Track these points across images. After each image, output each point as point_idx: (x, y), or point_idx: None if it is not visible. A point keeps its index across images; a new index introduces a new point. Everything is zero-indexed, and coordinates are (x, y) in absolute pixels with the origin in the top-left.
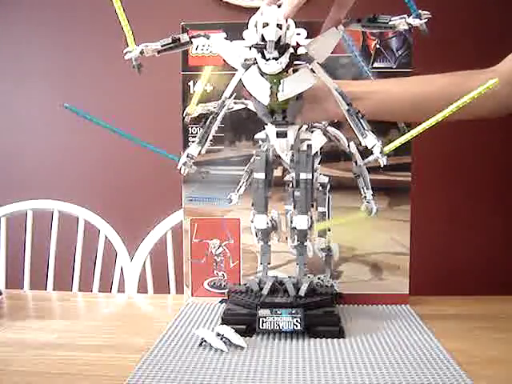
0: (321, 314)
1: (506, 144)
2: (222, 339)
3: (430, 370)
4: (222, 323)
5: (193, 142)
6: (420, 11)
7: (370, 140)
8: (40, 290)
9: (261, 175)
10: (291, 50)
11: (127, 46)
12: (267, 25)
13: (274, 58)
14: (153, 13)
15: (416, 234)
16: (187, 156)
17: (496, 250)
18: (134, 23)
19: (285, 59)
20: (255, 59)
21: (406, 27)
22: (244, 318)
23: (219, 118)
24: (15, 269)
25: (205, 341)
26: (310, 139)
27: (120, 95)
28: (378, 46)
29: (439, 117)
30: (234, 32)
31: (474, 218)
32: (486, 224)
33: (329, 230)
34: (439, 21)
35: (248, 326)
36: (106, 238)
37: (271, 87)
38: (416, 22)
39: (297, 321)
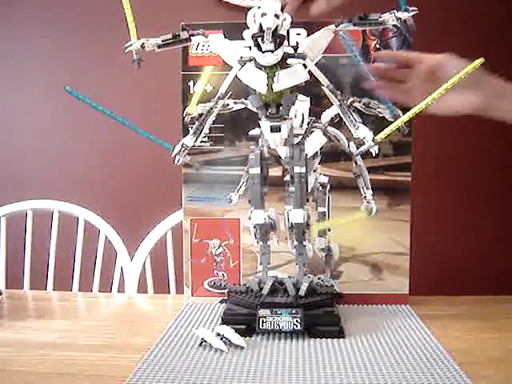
0: (321, 313)
1: (506, 144)
2: (222, 339)
3: (429, 370)
4: (222, 323)
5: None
6: (408, 7)
7: (363, 130)
8: (40, 289)
9: (256, 170)
10: (290, 48)
11: (129, 40)
12: (265, 14)
13: (269, 51)
14: (152, 13)
15: (416, 234)
16: (182, 146)
17: (496, 250)
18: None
19: (280, 51)
20: (251, 57)
21: (396, 22)
22: (244, 318)
23: (215, 112)
24: (15, 269)
25: (205, 341)
26: (303, 134)
27: (120, 95)
28: (378, 45)
29: (428, 100)
30: (234, 32)
31: (473, 218)
32: (486, 224)
33: (329, 230)
34: (439, 20)
35: (248, 326)
36: (106, 237)
37: (267, 77)
38: (404, 16)
39: (297, 321)
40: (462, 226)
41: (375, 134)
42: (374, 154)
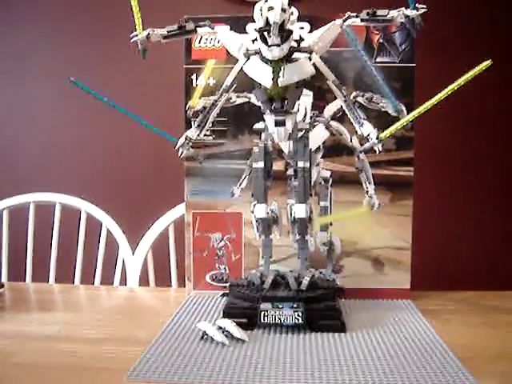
0: (322, 308)
1: (508, 138)
2: (223, 332)
3: (430, 365)
4: (224, 316)
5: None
6: (417, 5)
7: (367, 128)
8: (42, 282)
9: (260, 164)
10: (293, 42)
11: (134, 32)
12: (272, 8)
13: (276, 45)
14: (156, 6)
15: (418, 229)
16: (185, 138)
17: (497, 245)
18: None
19: (287, 46)
20: (257, 50)
21: (404, 20)
22: (245, 312)
23: (219, 105)
24: (17, 262)
25: (206, 334)
26: (307, 128)
27: (123, 89)
28: (381, 40)
29: (433, 101)
30: (238, 25)
31: (475, 212)
32: (488, 218)
33: (330, 225)
34: (442, 15)
35: (249, 320)
36: (108, 230)
37: (273, 72)
38: (413, 13)
39: (298, 315)
40: (464, 221)
41: (378, 129)
42: (377, 152)
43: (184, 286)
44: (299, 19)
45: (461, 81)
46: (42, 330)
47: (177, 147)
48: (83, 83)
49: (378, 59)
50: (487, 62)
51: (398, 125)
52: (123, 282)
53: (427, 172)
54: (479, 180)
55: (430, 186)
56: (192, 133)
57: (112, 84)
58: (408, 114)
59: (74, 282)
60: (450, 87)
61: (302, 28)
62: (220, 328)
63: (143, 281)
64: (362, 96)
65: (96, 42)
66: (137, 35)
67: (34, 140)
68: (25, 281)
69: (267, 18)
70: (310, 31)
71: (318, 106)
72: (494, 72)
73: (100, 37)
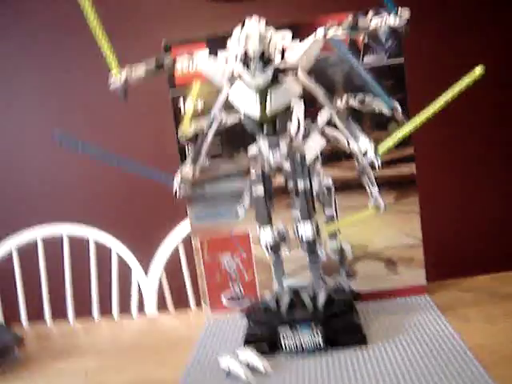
0: (341, 323)
1: (509, 128)
2: (246, 365)
3: (452, 373)
4: (245, 345)
5: None
6: (399, 8)
7: (363, 143)
8: (60, 317)
9: (260, 191)
10: (276, 64)
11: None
12: (250, 38)
13: (259, 71)
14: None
15: (426, 223)
16: (181, 181)
17: (502, 226)
18: (124, 20)
19: (270, 71)
20: (240, 73)
21: (387, 29)
22: (266, 338)
23: (210, 137)
24: (33, 299)
25: (230, 371)
26: (302, 147)
27: (114, 121)
28: (365, 40)
29: (429, 114)
30: (218, 44)
31: (480, 198)
32: (491, 200)
33: (339, 232)
34: (429, 8)
35: (271, 346)
36: (119, 255)
37: (260, 102)
38: (396, 24)
39: (318, 335)
40: (474, 209)
41: (375, 127)
42: (377, 168)
43: (201, 304)
44: (280, 28)
45: (456, 90)
46: (71, 381)
47: (174, 190)
48: (70, 138)
49: (366, 60)
50: (479, 69)
51: (395, 140)
52: (141, 305)
53: (429, 166)
54: (480, 165)
55: (434, 179)
56: (187, 172)
57: (101, 119)
58: (402, 110)
59: (92, 313)
60: (445, 97)
61: (283, 39)
62: (242, 362)
63: (160, 301)
64: (354, 98)
65: (86, 71)
66: (115, 81)
67: (32, 170)
68: (43, 318)
69: (246, 49)
70: (292, 38)
71: (311, 113)
72: (490, 62)
73: (90, 66)
